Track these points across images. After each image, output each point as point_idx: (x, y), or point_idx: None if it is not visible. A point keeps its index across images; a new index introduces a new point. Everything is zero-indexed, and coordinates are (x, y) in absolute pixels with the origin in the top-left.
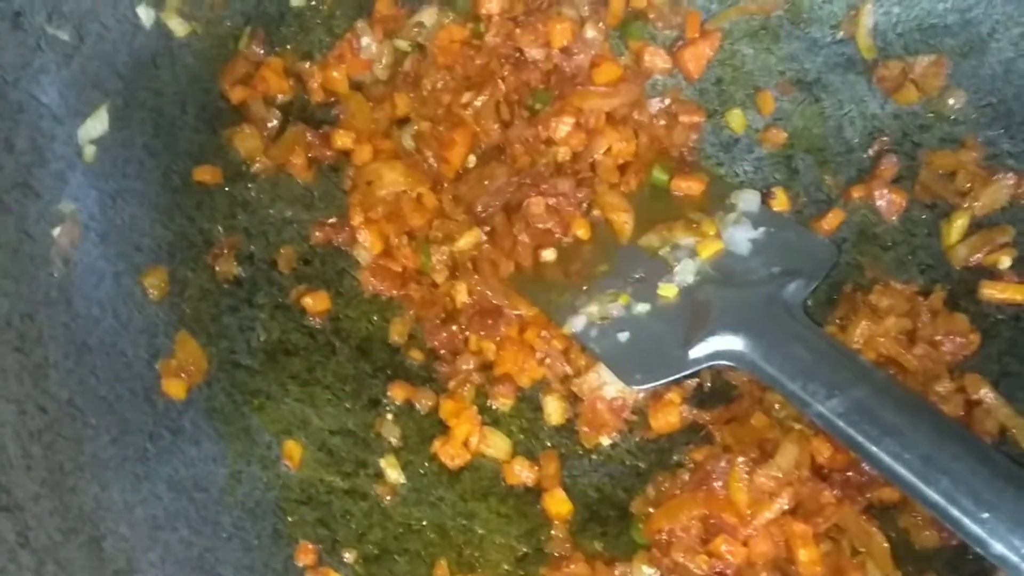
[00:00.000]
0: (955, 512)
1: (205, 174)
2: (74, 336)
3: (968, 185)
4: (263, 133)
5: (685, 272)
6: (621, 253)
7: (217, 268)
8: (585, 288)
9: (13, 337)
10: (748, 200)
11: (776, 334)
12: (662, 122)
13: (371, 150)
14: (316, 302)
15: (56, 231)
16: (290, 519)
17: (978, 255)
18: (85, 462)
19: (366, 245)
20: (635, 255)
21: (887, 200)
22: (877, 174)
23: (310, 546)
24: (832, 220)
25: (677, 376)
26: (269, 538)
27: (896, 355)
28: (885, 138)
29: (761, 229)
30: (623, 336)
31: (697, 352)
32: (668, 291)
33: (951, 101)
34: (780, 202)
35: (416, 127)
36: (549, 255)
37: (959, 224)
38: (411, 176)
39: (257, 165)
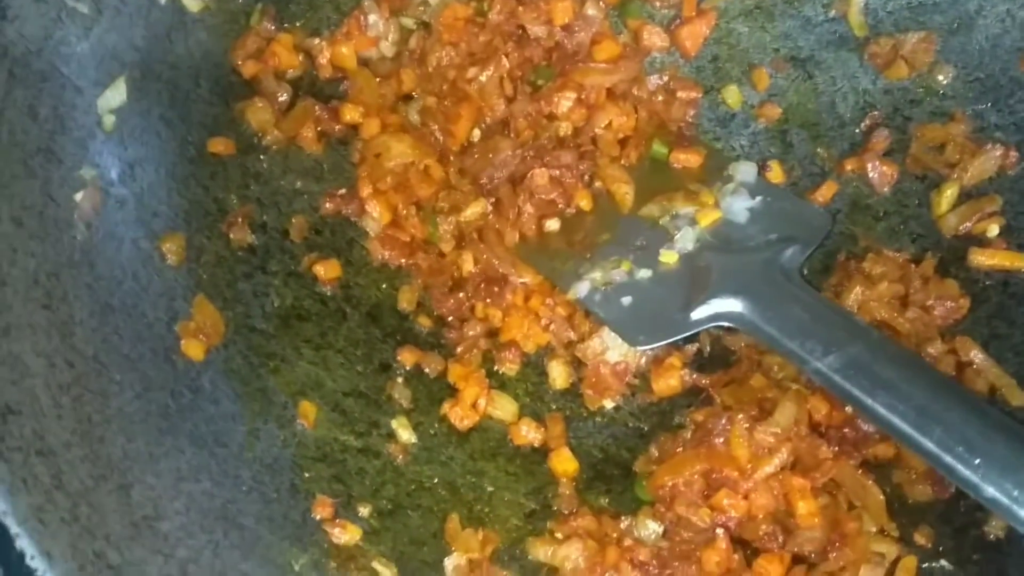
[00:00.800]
0: (949, 459)
1: (219, 145)
2: (97, 296)
3: (957, 157)
4: (274, 107)
5: (685, 240)
6: (622, 223)
7: (232, 236)
8: (588, 256)
9: (41, 295)
10: (745, 171)
11: (774, 296)
12: (660, 98)
13: (379, 124)
14: (327, 270)
15: (78, 196)
16: (307, 475)
17: (967, 224)
18: (111, 415)
19: (375, 215)
20: (636, 225)
21: (879, 172)
22: (869, 147)
23: (327, 500)
24: (826, 192)
25: (679, 336)
26: (287, 492)
27: (889, 319)
28: (876, 112)
29: (758, 198)
30: (626, 300)
31: (698, 314)
32: (669, 257)
33: (940, 76)
34: (776, 174)
35: (422, 102)
36: (553, 225)
37: (949, 194)
38: (418, 148)
39: (268, 137)
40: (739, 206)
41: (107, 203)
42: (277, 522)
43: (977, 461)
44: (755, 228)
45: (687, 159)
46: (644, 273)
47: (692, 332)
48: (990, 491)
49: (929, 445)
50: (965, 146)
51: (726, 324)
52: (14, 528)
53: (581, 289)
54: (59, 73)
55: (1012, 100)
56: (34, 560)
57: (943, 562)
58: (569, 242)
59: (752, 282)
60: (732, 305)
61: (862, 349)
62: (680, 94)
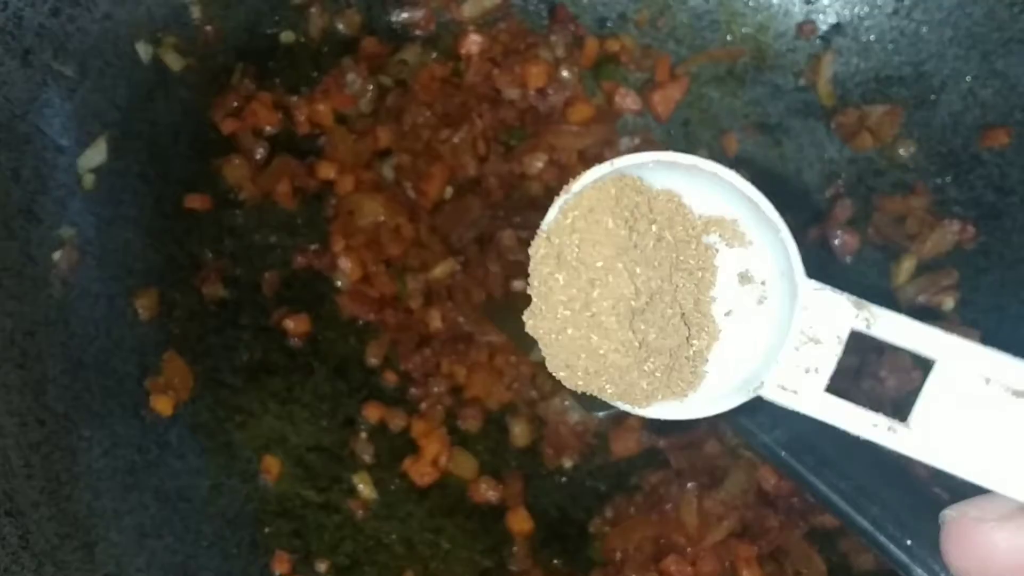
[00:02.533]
0: (882, 538)
1: (195, 201)
2: (70, 354)
3: (917, 229)
4: (251, 163)
5: None
6: None
7: (204, 290)
8: None
9: (16, 354)
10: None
11: None
12: None
13: (353, 180)
14: (296, 324)
15: (56, 255)
16: (267, 530)
17: (924, 295)
18: (79, 472)
19: (346, 271)
20: None
21: (841, 241)
22: (832, 216)
23: (285, 556)
24: None
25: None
26: (247, 547)
27: (842, 390)
28: (840, 182)
29: None
30: None
31: None
32: None
33: (903, 149)
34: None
35: (396, 159)
36: (519, 285)
37: (907, 266)
38: (390, 207)
39: (244, 193)
40: None
41: (84, 261)
42: None
43: (909, 542)
44: None
45: None
46: None
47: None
48: (919, 573)
49: (864, 524)
50: (924, 219)
51: None
52: None
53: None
54: (41, 134)
55: (971, 176)
56: None
57: None
58: None
59: None
60: None
61: (809, 426)
62: None
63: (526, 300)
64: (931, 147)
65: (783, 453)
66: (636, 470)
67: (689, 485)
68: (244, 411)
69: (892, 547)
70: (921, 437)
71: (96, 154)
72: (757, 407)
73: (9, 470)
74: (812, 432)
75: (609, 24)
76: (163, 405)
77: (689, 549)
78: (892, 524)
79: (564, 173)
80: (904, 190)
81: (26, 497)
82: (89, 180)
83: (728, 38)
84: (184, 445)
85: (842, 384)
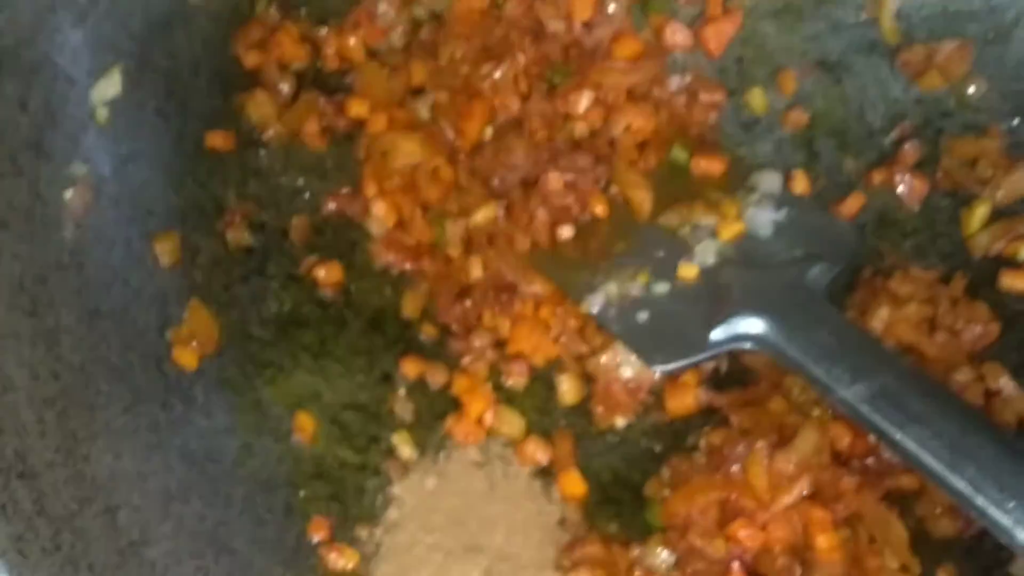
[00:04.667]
0: (980, 501)
1: (217, 140)
2: (86, 302)
3: (990, 173)
4: (277, 100)
5: (705, 253)
6: (640, 232)
7: (228, 236)
8: (603, 266)
9: (26, 301)
10: (770, 181)
11: (799, 317)
12: (682, 100)
13: (386, 119)
14: (328, 273)
15: (68, 194)
16: (302, 493)
17: (998, 244)
18: (98, 431)
19: (379, 217)
20: (654, 234)
21: (909, 186)
22: (899, 159)
23: (323, 521)
24: (852, 204)
25: (698, 359)
26: (281, 512)
27: (916, 342)
28: (907, 123)
29: (783, 211)
30: (642, 316)
31: (718, 334)
32: (688, 271)
33: (973, 88)
34: (800, 184)
35: (433, 97)
36: (566, 232)
37: (980, 212)
38: (428, 147)
39: (270, 132)
40: (763, 219)
41: (98, 201)
42: (270, 545)
43: (1011, 504)
44: (779, 243)
45: (708, 166)
46: (662, 287)
47: (712, 354)
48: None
49: (960, 485)
50: (998, 162)
51: (747, 346)
52: None
53: (595, 303)
54: (51, 63)
55: None
56: None
57: None
58: (583, 250)
59: (776, 302)
60: (755, 326)
61: (892, 378)
62: (703, 96)
63: (573, 247)
64: (1004, 86)
65: (865, 409)
66: (693, 429)
67: (758, 444)
68: (274, 366)
69: (993, 509)
70: None
71: (110, 86)
72: (835, 360)
73: (21, 427)
74: (897, 385)
75: None
76: (187, 358)
77: (759, 513)
78: (991, 485)
79: (610, 114)
80: (975, 131)
81: (40, 457)
82: (103, 114)
83: None
84: (211, 402)
85: (914, 335)
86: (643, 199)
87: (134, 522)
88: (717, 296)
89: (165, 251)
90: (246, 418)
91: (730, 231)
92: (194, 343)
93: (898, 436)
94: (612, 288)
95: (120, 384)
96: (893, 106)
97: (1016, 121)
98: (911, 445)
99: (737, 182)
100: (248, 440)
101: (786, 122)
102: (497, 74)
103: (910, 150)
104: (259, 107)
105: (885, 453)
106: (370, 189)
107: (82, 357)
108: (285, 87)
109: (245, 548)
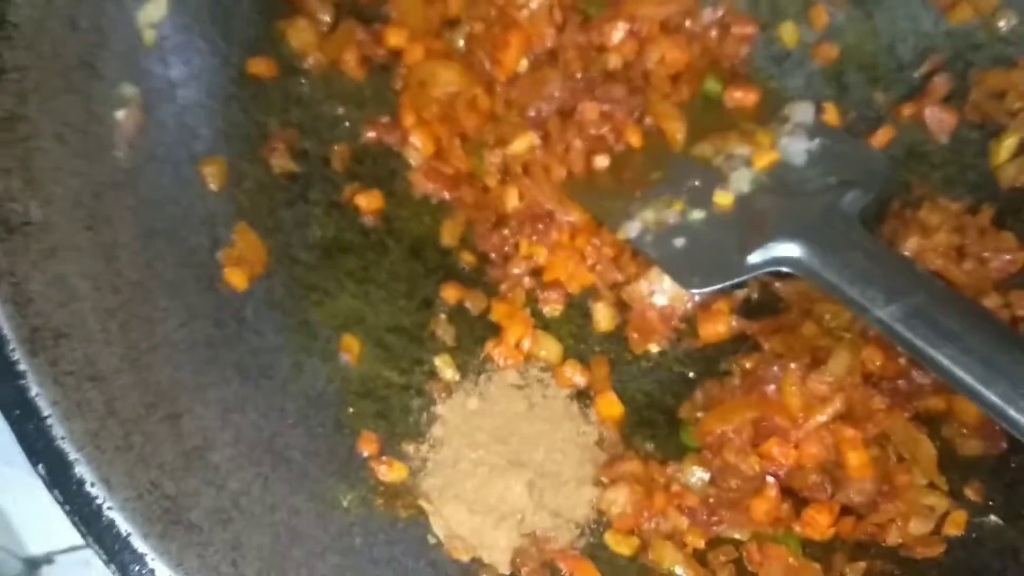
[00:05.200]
0: (1014, 413)
1: (259, 66)
2: (140, 220)
3: (1018, 105)
4: (316, 27)
5: (740, 181)
6: (674, 162)
7: (272, 162)
8: (638, 195)
9: (84, 215)
10: (803, 111)
11: (834, 242)
12: (714, 33)
13: (423, 49)
14: (369, 201)
15: (120, 114)
16: (351, 410)
17: None
18: (158, 343)
19: (418, 146)
20: (689, 164)
21: (938, 118)
22: (928, 92)
23: (372, 436)
24: (882, 137)
25: (736, 280)
26: (332, 427)
27: (945, 270)
28: (937, 57)
29: (816, 140)
30: (679, 242)
31: (755, 258)
32: (724, 199)
33: (1004, 21)
34: (830, 117)
35: (469, 28)
36: (602, 161)
37: (1008, 144)
38: (466, 77)
39: (310, 60)
40: (796, 148)
41: (149, 123)
42: (323, 457)
43: None
44: (813, 171)
45: (742, 97)
46: (697, 214)
47: (748, 276)
48: None
49: (993, 398)
50: None
51: (782, 269)
52: (72, 454)
53: (632, 229)
54: None
55: None
56: (93, 487)
57: (992, 517)
58: (618, 180)
59: (811, 227)
60: (790, 250)
61: (925, 298)
62: (735, 29)
63: (608, 176)
64: None
65: (900, 327)
66: (725, 355)
67: (792, 365)
68: (320, 289)
69: None
70: None
71: (156, 9)
72: (870, 281)
73: (88, 334)
74: (931, 304)
75: None
76: (237, 278)
77: (792, 432)
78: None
79: (644, 46)
80: (1005, 64)
81: (107, 363)
82: (150, 36)
83: None
84: (261, 321)
85: (942, 264)
86: (677, 130)
87: (197, 428)
88: (753, 222)
89: (212, 175)
90: (295, 338)
91: (765, 160)
92: (243, 264)
93: (932, 353)
94: (648, 215)
95: (176, 301)
96: (923, 39)
97: None
98: (945, 362)
99: (769, 114)
100: (298, 359)
101: (816, 56)
102: (533, 5)
103: (939, 83)
104: (299, 34)
105: (915, 375)
106: (408, 119)
107: (139, 274)
108: (325, 16)
109: (300, 458)
